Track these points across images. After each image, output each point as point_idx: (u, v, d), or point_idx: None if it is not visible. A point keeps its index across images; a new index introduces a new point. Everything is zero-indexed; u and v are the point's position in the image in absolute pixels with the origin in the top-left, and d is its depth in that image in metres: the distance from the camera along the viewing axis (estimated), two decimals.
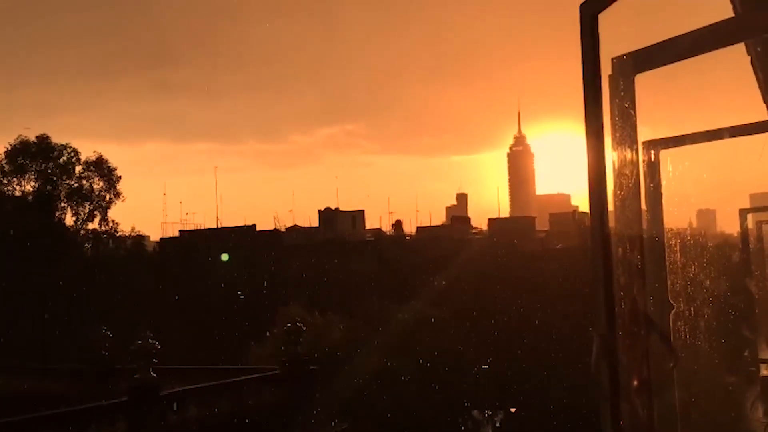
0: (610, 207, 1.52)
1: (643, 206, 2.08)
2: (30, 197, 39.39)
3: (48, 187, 39.30)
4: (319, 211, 63.73)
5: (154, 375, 13.92)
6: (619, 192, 1.69)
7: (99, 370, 17.51)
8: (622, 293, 1.53)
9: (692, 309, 2.86)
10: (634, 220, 1.69)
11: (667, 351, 1.87)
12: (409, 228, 63.18)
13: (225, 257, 35.89)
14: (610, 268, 1.40)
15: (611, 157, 1.76)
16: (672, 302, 2.44)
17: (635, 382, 1.53)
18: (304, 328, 18.10)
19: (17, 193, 39.52)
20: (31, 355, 24.60)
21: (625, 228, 1.64)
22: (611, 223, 1.59)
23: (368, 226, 64.71)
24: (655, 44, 1.68)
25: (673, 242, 2.61)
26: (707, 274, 2.82)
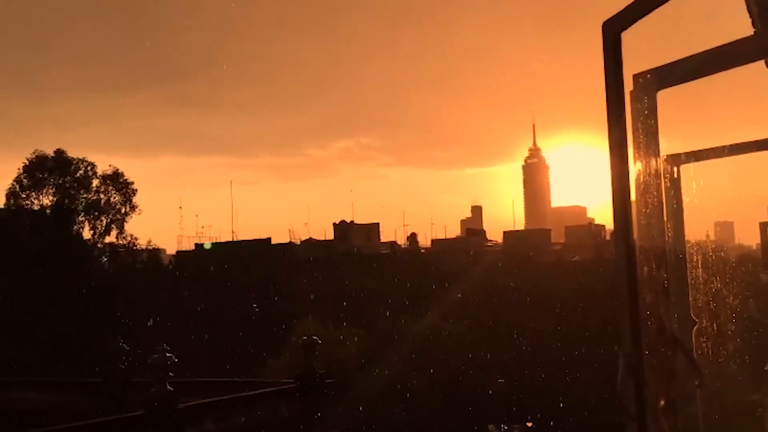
0: (633, 222, 1.51)
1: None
2: (48, 211, 39.78)
3: (65, 201, 39.68)
4: (334, 224, 63.85)
5: (171, 388, 13.95)
6: (642, 208, 1.68)
7: (116, 383, 17.58)
8: (648, 312, 1.51)
9: (715, 325, 2.84)
10: (658, 236, 1.68)
11: (693, 369, 1.85)
12: (424, 241, 63.11)
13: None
14: (635, 285, 1.39)
15: (633, 172, 1.75)
16: (695, 318, 2.42)
17: (662, 402, 1.52)
18: (320, 342, 18.09)
19: (35, 207, 39.93)
20: (48, 368, 24.74)
21: (649, 244, 1.63)
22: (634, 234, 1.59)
23: (383, 238, 64.71)
24: (676, 61, 1.68)
25: (696, 257, 2.59)
26: (730, 290, 2.79)
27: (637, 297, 1.41)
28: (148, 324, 29.16)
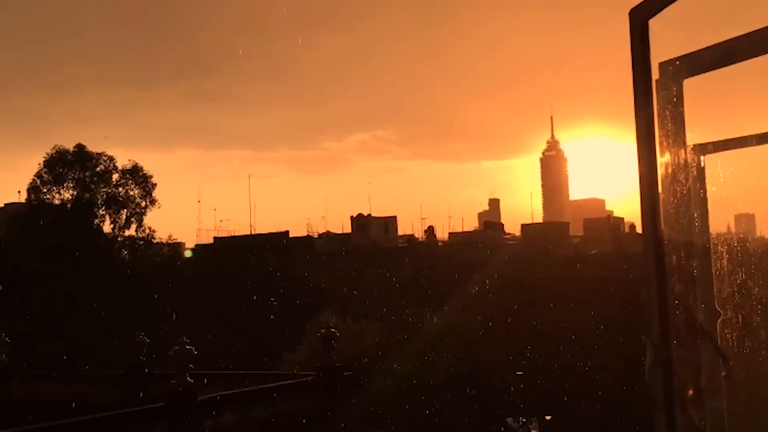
0: (660, 211, 1.49)
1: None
2: (68, 205, 40.14)
3: (86, 195, 40.02)
4: (352, 217, 63.86)
5: (191, 380, 14.06)
6: (669, 197, 1.66)
7: (137, 375, 17.74)
8: (676, 301, 1.50)
9: (740, 316, 2.81)
10: (686, 225, 1.66)
11: (720, 359, 1.83)
12: (442, 234, 62.98)
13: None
14: (664, 275, 1.38)
15: (659, 161, 1.73)
16: (719, 309, 2.40)
17: (690, 392, 1.50)
18: (338, 334, 18.13)
19: (56, 202, 40.31)
20: (71, 361, 25.02)
21: (677, 234, 1.61)
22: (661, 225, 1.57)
23: (400, 232, 64.66)
24: (703, 48, 1.65)
25: (720, 248, 2.56)
26: (755, 281, 2.76)
27: (666, 287, 1.40)
28: (169, 317, 29.40)
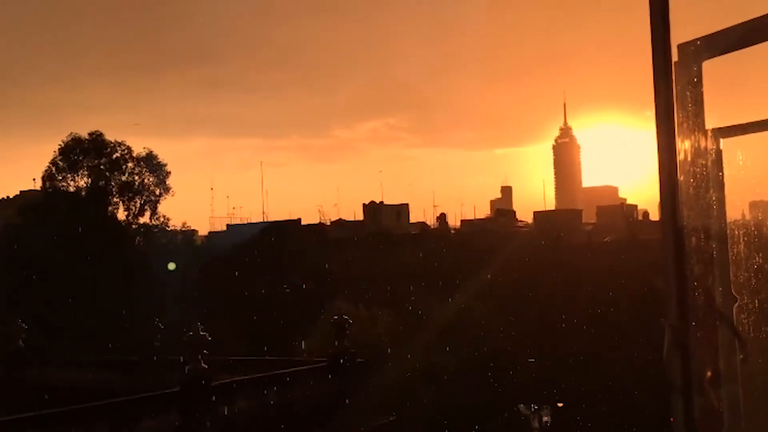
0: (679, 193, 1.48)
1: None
2: (83, 192, 40.37)
3: (100, 183, 40.23)
4: (364, 204, 63.92)
5: (205, 366, 14.17)
6: (687, 179, 1.65)
7: (151, 361, 17.90)
8: (695, 283, 1.49)
9: (756, 301, 2.79)
10: (704, 209, 1.65)
11: (738, 343, 1.83)
12: (454, 221, 62.94)
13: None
14: (682, 257, 1.37)
15: (678, 144, 1.72)
16: (735, 295, 2.39)
17: (708, 373, 1.50)
18: (351, 321, 18.19)
19: (71, 189, 40.55)
20: (85, 347, 25.26)
21: (695, 217, 1.60)
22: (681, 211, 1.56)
23: (412, 219, 64.63)
24: (724, 29, 1.64)
25: (737, 232, 2.55)
26: None
27: (684, 269, 1.40)
28: (183, 304, 29.58)
